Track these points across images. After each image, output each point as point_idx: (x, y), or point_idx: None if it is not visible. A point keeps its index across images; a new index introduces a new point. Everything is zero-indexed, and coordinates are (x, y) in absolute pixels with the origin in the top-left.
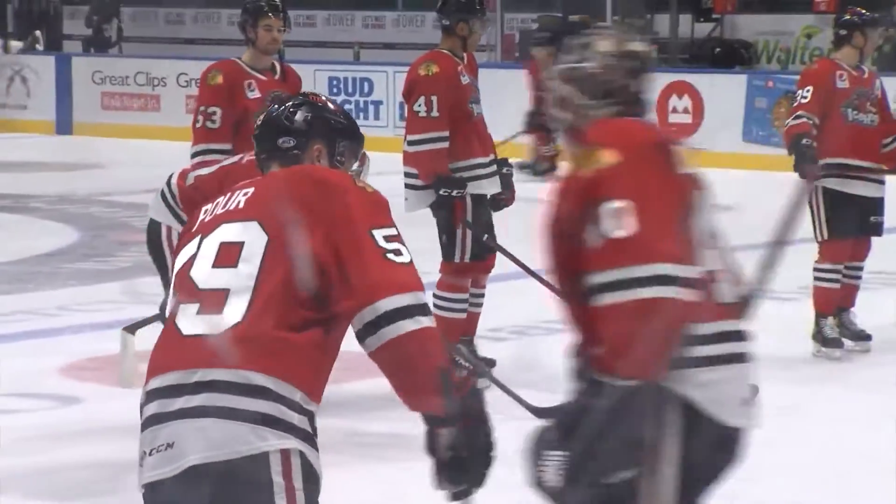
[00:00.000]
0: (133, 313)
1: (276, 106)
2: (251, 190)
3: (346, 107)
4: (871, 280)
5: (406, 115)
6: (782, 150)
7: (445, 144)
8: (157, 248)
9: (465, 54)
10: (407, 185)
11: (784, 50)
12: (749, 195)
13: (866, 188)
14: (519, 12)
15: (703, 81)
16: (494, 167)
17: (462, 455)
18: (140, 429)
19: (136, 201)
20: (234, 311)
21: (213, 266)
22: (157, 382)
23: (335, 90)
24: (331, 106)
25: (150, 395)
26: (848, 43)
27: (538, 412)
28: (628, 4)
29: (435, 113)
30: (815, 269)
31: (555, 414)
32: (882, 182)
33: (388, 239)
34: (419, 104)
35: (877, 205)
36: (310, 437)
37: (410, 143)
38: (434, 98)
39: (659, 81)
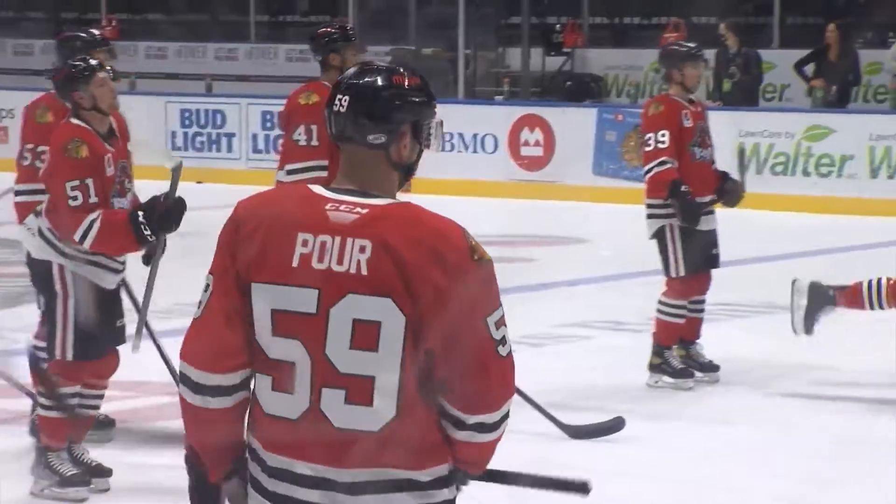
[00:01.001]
0: None
1: (355, 94)
2: (368, 246)
3: (199, 139)
4: (716, 311)
5: (282, 145)
6: (632, 182)
7: (325, 173)
8: (48, 288)
9: None
10: None
11: (633, 84)
12: (598, 227)
13: (709, 222)
14: (372, 45)
15: (555, 115)
16: None
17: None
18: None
19: None
20: (386, 404)
21: (352, 347)
22: (307, 470)
23: (187, 122)
24: (407, 81)
25: (298, 479)
26: (671, 79)
27: None
28: (480, 38)
29: (315, 142)
30: (663, 304)
31: None
32: (714, 213)
33: (497, 325)
34: (299, 133)
35: (715, 237)
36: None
37: (290, 171)
38: (314, 127)
39: (511, 115)
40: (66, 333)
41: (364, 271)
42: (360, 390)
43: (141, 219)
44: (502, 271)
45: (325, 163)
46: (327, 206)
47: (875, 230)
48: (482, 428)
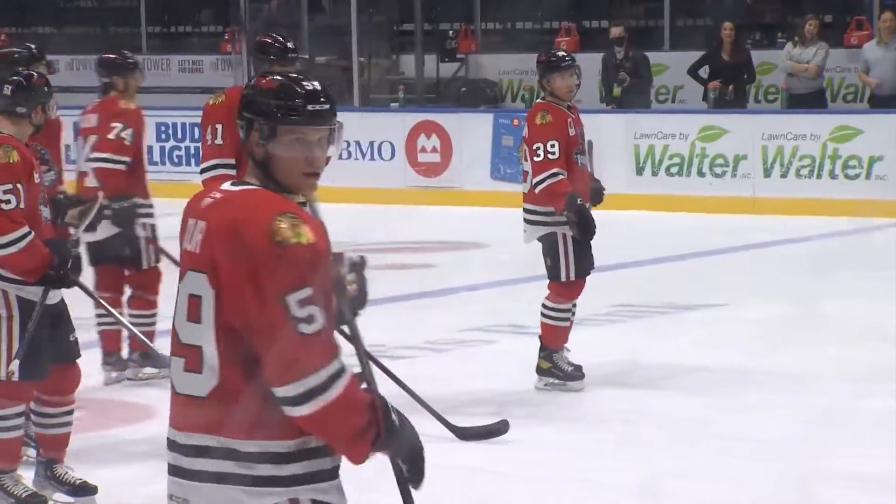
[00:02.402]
0: None
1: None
2: (204, 226)
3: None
4: (615, 313)
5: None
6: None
7: (232, 172)
8: None
9: None
10: None
11: (528, 88)
12: (498, 232)
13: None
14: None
15: (451, 121)
16: None
17: (400, 464)
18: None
19: None
20: (210, 372)
21: (187, 319)
22: (172, 435)
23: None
24: (264, 84)
25: (169, 445)
26: (543, 88)
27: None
28: (375, 45)
29: (219, 140)
30: (550, 309)
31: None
32: None
33: (302, 303)
34: (209, 133)
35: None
36: (320, 475)
37: (203, 170)
38: (219, 126)
39: (407, 122)
40: (11, 354)
41: (198, 250)
42: (193, 358)
43: (58, 262)
44: (402, 278)
45: (231, 161)
46: (209, 194)
47: (770, 229)
48: (286, 402)
